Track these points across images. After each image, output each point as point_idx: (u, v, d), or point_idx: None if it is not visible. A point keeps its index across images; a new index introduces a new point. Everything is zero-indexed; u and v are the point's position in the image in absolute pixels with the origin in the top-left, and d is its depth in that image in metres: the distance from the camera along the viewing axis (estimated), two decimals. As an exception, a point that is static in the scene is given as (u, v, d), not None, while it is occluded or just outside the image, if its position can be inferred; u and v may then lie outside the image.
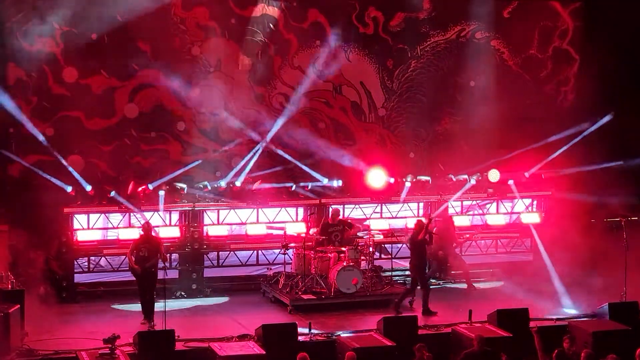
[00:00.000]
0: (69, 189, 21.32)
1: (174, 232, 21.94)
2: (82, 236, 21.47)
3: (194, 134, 22.84)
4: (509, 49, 24.75)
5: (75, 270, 21.51)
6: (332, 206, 22.31)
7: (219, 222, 22.33)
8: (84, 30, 21.70)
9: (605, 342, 17.25)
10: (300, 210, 22.82)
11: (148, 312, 19.06)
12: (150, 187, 21.61)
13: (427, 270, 20.95)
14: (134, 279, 19.57)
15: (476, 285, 22.68)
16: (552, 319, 19.36)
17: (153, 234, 19.86)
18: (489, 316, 18.92)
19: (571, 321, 18.91)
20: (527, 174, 23.89)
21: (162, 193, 21.55)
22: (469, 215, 24.00)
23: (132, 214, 21.65)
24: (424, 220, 20.75)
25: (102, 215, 21.58)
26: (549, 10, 24.86)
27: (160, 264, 19.19)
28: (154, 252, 19.07)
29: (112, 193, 21.25)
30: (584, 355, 14.91)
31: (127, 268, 21.44)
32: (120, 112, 22.24)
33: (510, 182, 23.52)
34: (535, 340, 16.10)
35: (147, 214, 21.63)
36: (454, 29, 24.38)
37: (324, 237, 21.12)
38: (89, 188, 21.43)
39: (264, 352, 16.86)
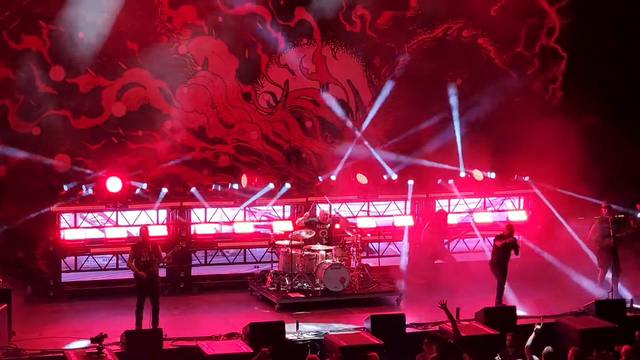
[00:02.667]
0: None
1: (162, 231, 21.89)
2: (69, 235, 21.42)
3: (181, 133, 22.83)
4: (495, 46, 24.77)
5: (62, 269, 21.46)
6: (318, 205, 22.24)
7: (207, 221, 22.32)
8: (70, 28, 21.68)
9: (592, 339, 17.32)
10: (288, 208, 22.80)
11: (155, 319, 18.24)
12: (140, 185, 21.64)
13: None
14: (119, 277, 19.35)
15: None
16: (539, 317, 19.39)
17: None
18: (477, 314, 18.97)
19: (559, 318, 18.98)
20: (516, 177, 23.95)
21: (144, 186, 21.61)
22: (457, 213, 24.00)
23: (119, 212, 21.63)
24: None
25: (91, 214, 21.52)
26: (536, 8, 24.87)
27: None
28: (155, 255, 18.50)
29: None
30: (571, 352, 14.95)
31: (115, 267, 21.49)
32: (108, 110, 22.24)
33: (492, 174, 23.51)
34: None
35: (134, 213, 21.62)
36: (441, 27, 24.39)
37: (311, 236, 21.07)
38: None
39: (252, 351, 16.84)
